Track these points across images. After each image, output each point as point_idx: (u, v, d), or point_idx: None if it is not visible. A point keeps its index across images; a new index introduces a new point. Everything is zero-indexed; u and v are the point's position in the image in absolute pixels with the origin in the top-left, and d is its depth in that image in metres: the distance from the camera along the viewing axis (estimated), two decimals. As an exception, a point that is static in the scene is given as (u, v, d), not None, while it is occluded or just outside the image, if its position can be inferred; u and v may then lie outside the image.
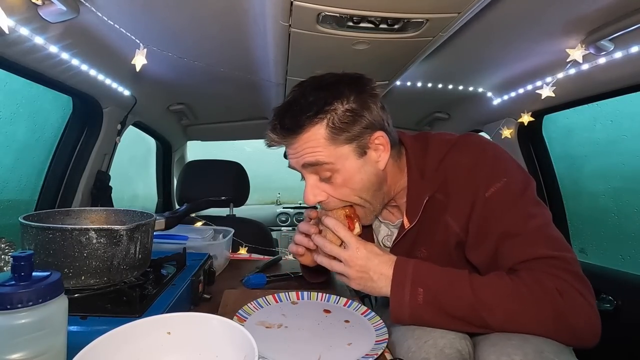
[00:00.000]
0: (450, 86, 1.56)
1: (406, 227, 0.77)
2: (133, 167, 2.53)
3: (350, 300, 0.84)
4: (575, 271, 0.63)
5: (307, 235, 0.79)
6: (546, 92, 1.21)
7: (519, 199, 0.68)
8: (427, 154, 0.77)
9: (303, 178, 0.77)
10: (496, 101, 1.63)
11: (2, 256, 0.72)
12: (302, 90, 0.72)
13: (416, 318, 0.65)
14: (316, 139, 0.69)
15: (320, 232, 0.78)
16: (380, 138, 0.72)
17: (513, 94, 1.52)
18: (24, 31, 0.89)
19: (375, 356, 0.62)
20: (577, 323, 0.60)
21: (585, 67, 1.15)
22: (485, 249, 0.69)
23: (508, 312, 0.61)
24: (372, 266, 0.68)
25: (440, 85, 1.55)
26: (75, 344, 0.44)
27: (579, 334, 0.61)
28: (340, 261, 0.71)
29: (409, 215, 0.77)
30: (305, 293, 0.88)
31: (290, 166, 0.77)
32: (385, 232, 0.88)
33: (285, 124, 0.70)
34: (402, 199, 0.81)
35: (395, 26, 0.90)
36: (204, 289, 0.87)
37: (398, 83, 1.46)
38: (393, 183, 0.79)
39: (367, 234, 0.89)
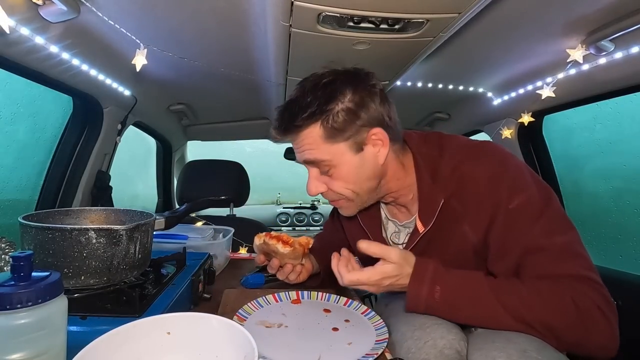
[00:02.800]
0: (451, 86, 1.56)
1: (420, 232, 0.76)
2: (133, 167, 2.53)
3: (350, 300, 0.84)
4: (600, 291, 0.62)
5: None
6: (546, 92, 1.21)
7: (543, 212, 0.67)
8: (441, 157, 0.76)
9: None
10: (496, 101, 1.62)
11: (2, 256, 0.72)
12: (301, 89, 0.73)
13: (431, 312, 0.67)
14: (313, 138, 0.71)
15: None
16: (378, 134, 0.72)
17: (513, 94, 1.52)
18: (24, 31, 0.89)
19: (375, 356, 0.62)
20: (590, 338, 0.61)
21: (585, 67, 1.15)
22: (509, 262, 0.69)
23: (519, 315, 0.62)
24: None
25: (440, 85, 1.55)
26: (75, 344, 0.44)
27: (590, 348, 0.62)
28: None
29: (422, 218, 0.76)
30: (305, 292, 0.88)
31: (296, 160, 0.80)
32: (393, 229, 0.88)
33: (284, 123, 0.73)
34: (406, 197, 0.81)
35: (396, 26, 0.90)
36: (204, 289, 0.87)
37: (398, 83, 1.46)
38: (394, 179, 0.78)
39: (356, 225, 0.91)
